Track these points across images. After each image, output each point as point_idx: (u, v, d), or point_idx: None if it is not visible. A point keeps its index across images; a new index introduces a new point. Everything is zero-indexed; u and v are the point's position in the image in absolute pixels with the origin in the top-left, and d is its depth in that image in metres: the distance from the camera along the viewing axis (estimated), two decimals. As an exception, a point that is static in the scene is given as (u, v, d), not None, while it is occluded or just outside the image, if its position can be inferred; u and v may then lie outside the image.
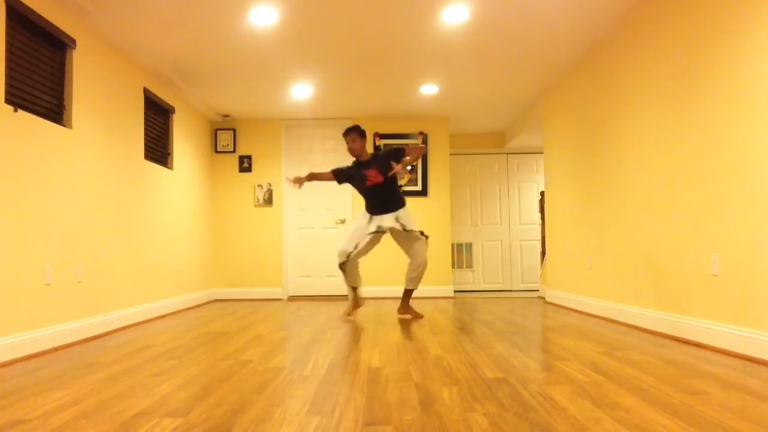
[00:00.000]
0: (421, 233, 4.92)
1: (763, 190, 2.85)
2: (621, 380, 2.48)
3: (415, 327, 4.38)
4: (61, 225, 3.77)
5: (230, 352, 3.35)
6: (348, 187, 7.39)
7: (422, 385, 2.46)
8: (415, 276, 5.01)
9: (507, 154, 8.56)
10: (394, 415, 2.01)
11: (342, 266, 4.95)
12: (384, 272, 7.35)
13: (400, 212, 4.88)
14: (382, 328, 4.33)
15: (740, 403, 2.10)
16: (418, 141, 7.39)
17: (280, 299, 7.24)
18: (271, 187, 7.38)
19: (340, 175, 5.01)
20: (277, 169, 7.40)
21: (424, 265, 4.98)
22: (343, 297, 7.33)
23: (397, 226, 4.81)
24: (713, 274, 3.26)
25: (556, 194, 6.11)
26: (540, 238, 7.63)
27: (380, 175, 4.79)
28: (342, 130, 7.41)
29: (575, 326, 4.31)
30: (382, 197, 4.87)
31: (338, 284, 7.42)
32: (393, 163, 4.76)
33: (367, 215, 4.97)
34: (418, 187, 7.39)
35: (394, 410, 2.07)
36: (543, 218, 7.06)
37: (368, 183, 4.86)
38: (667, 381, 2.46)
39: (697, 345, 3.36)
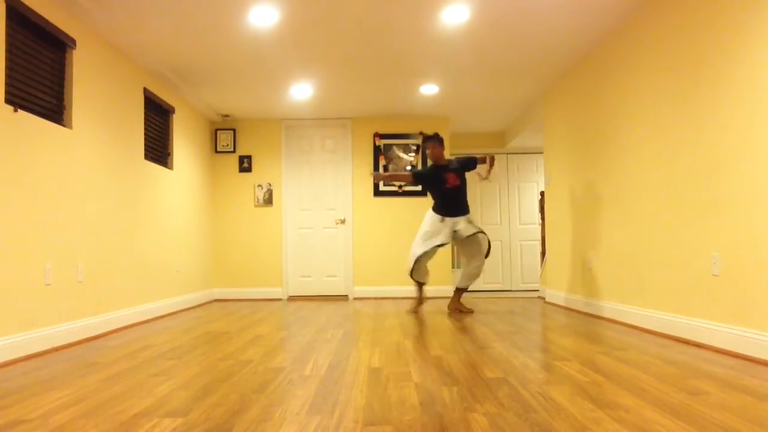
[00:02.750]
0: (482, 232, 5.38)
1: (763, 190, 2.85)
2: (621, 380, 2.48)
3: (415, 327, 4.39)
4: (61, 225, 3.77)
5: (230, 352, 3.35)
6: (348, 188, 7.40)
7: (422, 385, 2.46)
8: (475, 274, 5.39)
9: (507, 154, 8.56)
10: (394, 415, 2.01)
11: (416, 262, 5.32)
12: (384, 272, 7.35)
13: (470, 216, 5.39)
14: (382, 328, 4.33)
15: (740, 403, 2.10)
16: (419, 141, 7.39)
17: (280, 299, 7.24)
18: (271, 187, 7.39)
19: (418, 177, 5.59)
20: (277, 169, 7.40)
21: (482, 266, 5.44)
22: (343, 297, 7.33)
23: (471, 231, 5.26)
24: (713, 274, 3.26)
25: (556, 194, 6.11)
26: (540, 238, 7.63)
27: (458, 179, 5.31)
28: (342, 130, 7.48)
29: (575, 326, 4.31)
30: (458, 199, 5.34)
31: (338, 284, 7.43)
32: (481, 167, 5.42)
33: (438, 217, 5.32)
34: (418, 187, 7.38)
35: (394, 410, 2.07)
36: (543, 218, 7.06)
37: (447, 185, 5.31)
38: (667, 381, 2.46)
39: (697, 345, 3.36)
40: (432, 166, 5.50)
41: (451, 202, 5.34)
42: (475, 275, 5.37)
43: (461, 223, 5.26)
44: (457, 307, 5.46)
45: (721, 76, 3.18)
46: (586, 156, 5.19)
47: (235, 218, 7.39)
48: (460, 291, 5.48)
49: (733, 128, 3.08)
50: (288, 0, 3.98)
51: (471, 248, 5.34)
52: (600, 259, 4.88)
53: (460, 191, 5.35)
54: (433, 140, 5.36)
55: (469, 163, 5.41)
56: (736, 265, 3.07)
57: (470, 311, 5.41)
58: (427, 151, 5.42)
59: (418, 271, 5.38)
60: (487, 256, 5.36)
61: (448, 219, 5.29)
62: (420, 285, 5.50)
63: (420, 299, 5.57)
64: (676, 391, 2.28)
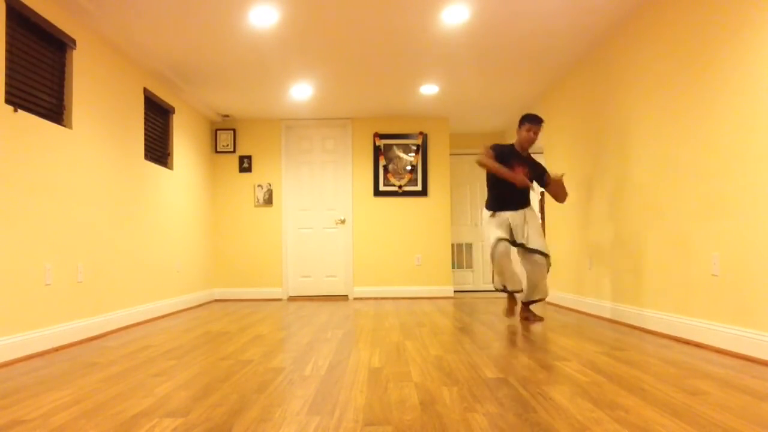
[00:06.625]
0: (543, 254, 4.46)
1: (763, 190, 2.85)
2: (621, 380, 2.48)
3: (415, 327, 4.39)
4: (61, 225, 3.77)
5: (230, 352, 3.35)
6: (348, 188, 7.40)
7: (422, 385, 2.46)
8: (530, 291, 4.60)
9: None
10: (394, 415, 2.01)
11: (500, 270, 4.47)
12: (384, 272, 7.35)
13: (528, 210, 4.56)
14: (382, 328, 4.33)
15: (740, 403, 2.10)
16: (418, 141, 7.39)
17: (280, 299, 7.24)
18: (271, 187, 7.38)
19: (497, 150, 4.54)
20: (277, 169, 7.40)
21: (542, 291, 4.56)
22: (343, 297, 7.33)
23: (522, 239, 4.49)
24: (713, 274, 3.26)
25: (556, 194, 6.11)
26: (540, 238, 7.62)
27: (527, 179, 4.44)
28: (342, 130, 7.48)
29: (575, 326, 4.31)
30: (517, 193, 4.52)
31: (338, 284, 7.43)
32: (549, 177, 4.52)
33: (489, 213, 4.57)
34: (418, 188, 7.39)
35: (394, 410, 2.07)
36: (543, 218, 7.06)
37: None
38: (667, 381, 2.46)
39: (697, 345, 3.36)
40: (511, 146, 4.59)
41: (507, 193, 4.51)
42: (537, 289, 4.53)
43: (517, 219, 4.51)
44: (525, 315, 4.71)
45: (721, 75, 3.18)
46: (585, 156, 5.19)
47: (235, 218, 7.39)
48: (524, 304, 4.70)
49: (733, 128, 3.08)
50: (288, 0, 3.98)
51: (526, 257, 4.54)
52: (600, 259, 4.88)
53: (521, 189, 4.54)
54: (541, 123, 4.53)
55: (543, 176, 4.61)
56: (736, 266, 3.07)
57: (540, 319, 4.67)
58: (528, 133, 4.49)
59: (509, 279, 4.47)
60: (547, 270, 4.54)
61: (500, 214, 4.52)
62: (511, 293, 4.63)
63: (512, 303, 4.69)
64: (676, 391, 2.28)
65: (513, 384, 2.45)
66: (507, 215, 4.53)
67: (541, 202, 7.28)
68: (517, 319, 4.79)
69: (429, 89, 6.15)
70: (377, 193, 7.39)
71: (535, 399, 2.19)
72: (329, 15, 4.22)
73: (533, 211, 4.62)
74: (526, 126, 4.51)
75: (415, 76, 5.70)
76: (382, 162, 7.39)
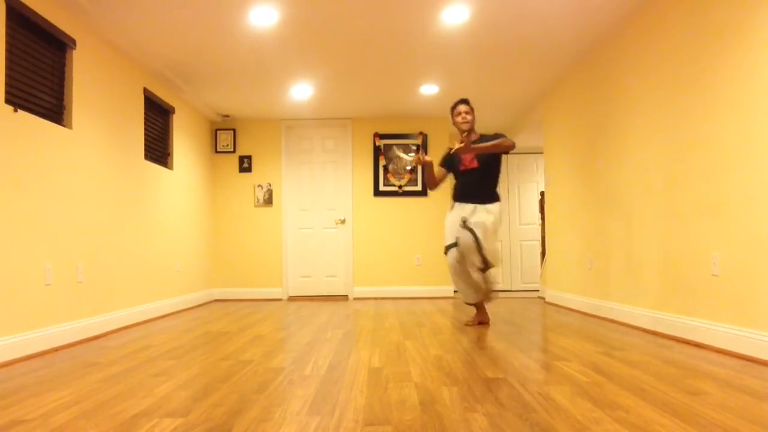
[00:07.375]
0: (486, 261, 4.20)
1: (763, 190, 2.85)
2: (621, 380, 2.48)
3: (415, 327, 4.38)
4: (61, 225, 3.77)
5: (230, 352, 3.35)
6: (348, 188, 7.40)
7: (422, 385, 2.46)
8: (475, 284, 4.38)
9: (507, 154, 8.54)
10: (394, 415, 2.01)
11: (453, 268, 4.35)
12: (384, 272, 7.35)
13: (489, 207, 4.33)
14: (382, 328, 4.33)
15: (740, 403, 2.10)
16: (418, 141, 7.40)
17: (280, 299, 7.24)
18: (271, 187, 7.38)
19: (445, 163, 4.61)
20: (277, 169, 7.40)
21: (482, 288, 4.32)
22: (343, 297, 7.33)
23: (478, 221, 4.24)
24: (713, 274, 3.26)
25: (556, 194, 6.11)
26: (540, 238, 7.63)
27: (475, 160, 4.36)
28: (342, 130, 7.47)
29: (575, 326, 4.31)
30: (474, 184, 4.40)
31: (338, 284, 7.43)
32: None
33: (454, 204, 4.49)
34: (418, 188, 7.39)
35: (394, 410, 2.07)
36: (543, 218, 7.06)
37: (462, 167, 4.44)
38: (667, 381, 2.46)
39: (697, 345, 3.36)
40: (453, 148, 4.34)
41: (466, 186, 4.44)
42: (476, 285, 4.31)
43: (473, 212, 4.30)
44: (473, 319, 4.53)
45: (722, 75, 3.18)
46: (586, 156, 5.19)
47: (235, 218, 7.39)
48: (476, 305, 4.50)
49: (732, 128, 3.08)
50: (288, 0, 3.98)
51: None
52: (600, 259, 4.88)
53: (478, 175, 4.38)
54: (462, 103, 4.40)
55: (494, 137, 4.35)
56: (736, 265, 3.07)
57: (485, 321, 4.50)
58: (457, 117, 4.38)
59: (462, 293, 4.40)
60: (486, 266, 4.22)
61: (458, 204, 4.42)
62: (475, 305, 4.46)
63: (480, 316, 4.48)
64: (676, 391, 2.28)
65: (513, 384, 2.45)
66: (458, 206, 4.43)
67: (541, 202, 7.28)
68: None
69: (429, 89, 6.15)
70: (377, 193, 7.39)
71: (535, 399, 2.19)
72: (329, 15, 4.22)
73: (490, 210, 4.34)
74: (454, 111, 4.43)
75: (415, 76, 5.70)
76: (382, 162, 7.40)
